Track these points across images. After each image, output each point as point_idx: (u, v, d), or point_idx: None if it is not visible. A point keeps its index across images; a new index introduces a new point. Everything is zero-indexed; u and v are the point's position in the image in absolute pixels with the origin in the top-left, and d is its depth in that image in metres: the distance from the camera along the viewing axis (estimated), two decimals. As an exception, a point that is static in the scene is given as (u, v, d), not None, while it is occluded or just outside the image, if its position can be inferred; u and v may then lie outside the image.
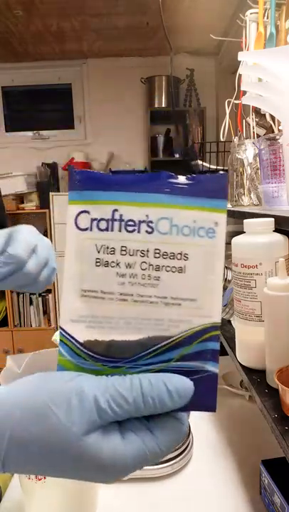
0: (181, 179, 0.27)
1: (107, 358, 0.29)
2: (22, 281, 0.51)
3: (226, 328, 0.95)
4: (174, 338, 0.28)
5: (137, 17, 2.71)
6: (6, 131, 3.57)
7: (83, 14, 2.64)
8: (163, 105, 3.23)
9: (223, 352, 1.25)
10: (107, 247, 0.28)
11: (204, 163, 1.55)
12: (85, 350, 0.29)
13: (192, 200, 0.27)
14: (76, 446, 0.26)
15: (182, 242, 0.27)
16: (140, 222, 0.27)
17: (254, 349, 0.70)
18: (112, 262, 0.28)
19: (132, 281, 0.28)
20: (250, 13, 1.05)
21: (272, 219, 0.66)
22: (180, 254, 0.27)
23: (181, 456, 0.75)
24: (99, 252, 0.28)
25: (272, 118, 1.01)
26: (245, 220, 0.68)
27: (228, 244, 1.11)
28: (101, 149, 3.48)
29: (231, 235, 1.19)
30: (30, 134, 3.56)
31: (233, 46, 2.64)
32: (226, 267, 0.96)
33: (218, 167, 1.52)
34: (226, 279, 0.93)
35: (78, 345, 0.29)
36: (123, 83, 3.42)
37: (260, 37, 1.01)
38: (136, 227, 0.27)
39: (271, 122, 1.01)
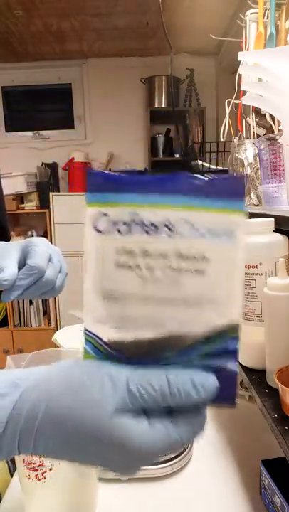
0: (200, 180, 0.27)
1: (131, 356, 0.29)
2: (43, 288, 0.56)
3: (226, 328, 0.95)
4: (197, 337, 0.28)
5: (137, 17, 2.71)
6: (6, 131, 3.57)
7: (83, 14, 2.64)
8: (163, 105, 3.23)
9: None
10: (128, 250, 0.28)
11: (204, 163, 1.54)
12: (110, 350, 0.30)
13: (212, 201, 0.27)
14: (108, 424, 0.27)
15: (203, 244, 0.27)
16: (160, 225, 0.27)
17: (254, 349, 0.70)
18: (133, 264, 0.28)
19: (153, 284, 0.28)
20: (250, 13, 1.05)
21: (272, 219, 0.66)
22: (201, 256, 0.27)
23: (181, 456, 0.75)
24: (119, 254, 0.28)
25: (272, 118, 1.01)
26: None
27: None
28: (101, 149, 3.48)
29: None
30: (30, 134, 3.56)
31: (233, 46, 2.64)
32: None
33: (218, 167, 1.51)
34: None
35: (103, 344, 0.30)
36: (123, 83, 3.42)
37: (260, 37, 1.01)
38: (156, 230, 0.27)
39: (271, 122, 1.01)
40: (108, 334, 0.29)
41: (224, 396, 0.29)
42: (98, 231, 0.29)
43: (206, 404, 0.29)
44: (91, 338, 0.30)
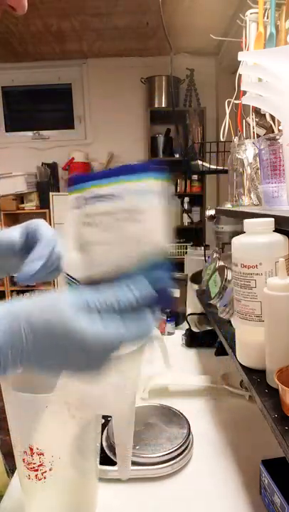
0: (130, 165, 0.40)
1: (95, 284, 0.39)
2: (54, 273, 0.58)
3: (225, 328, 0.95)
4: (139, 264, 0.39)
5: (137, 17, 2.71)
6: (6, 131, 3.57)
7: (83, 14, 2.64)
8: (163, 105, 3.23)
9: (223, 352, 1.26)
10: (88, 214, 0.41)
11: (204, 163, 1.54)
12: (81, 285, 0.42)
13: (138, 176, 0.40)
14: (70, 325, 0.34)
15: (136, 201, 0.39)
16: (107, 195, 0.40)
17: (254, 349, 0.70)
18: (92, 222, 0.41)
19: (106, 231, 0.40)
20: (250, 13, 1.05)
21: (272, 219, 0.66)
22: (136, 210, 0.39)
23: (181, 456, 0.75)
24: (85, 218, 0.41)
25: (272, 118, 1.01)
26: (245, 220, 0.68)
27: (229, 244, 1.11)
28: (101, 149, 3.48)
29: (231, 235, 1.19)
30: (30, 134, 3.56)
31: (233, 46, 2.64)
32: (225, 267, 0.96)
33: (218, 167, 1.51)
34: (225, 279, 0.93)
35: (77, 283, 0.43)
36: (123, 83, 3.42)
37: (260, 37, 1.01)
38: (105, 199, 0.40)
39: (271, 122, 1.01)
40: (80, 274, 0.42)
41: (164, 300, 0.39)
42: (74, 208, 0.41)
43: (150, 307, 0.37)
44: (71, 282, 0.43)
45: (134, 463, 0.70)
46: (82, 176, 0.43)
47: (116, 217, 0.40)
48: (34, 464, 0.54)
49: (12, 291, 3.19)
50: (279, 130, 0.96)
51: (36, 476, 0.55)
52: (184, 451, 0.76)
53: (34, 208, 3.21)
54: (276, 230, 0.67)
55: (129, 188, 0.40)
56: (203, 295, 1.17)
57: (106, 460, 0.73)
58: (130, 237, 0.39)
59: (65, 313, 0.35)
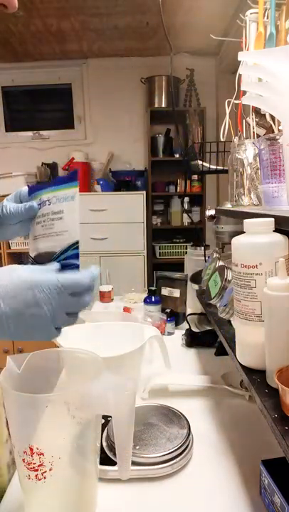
0: (60, 177, 0.86)
1: (41, 262, 0.58)
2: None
3: (225, 328, 0.95)
4: (62, 250, 0.56)
5: (137, 17, 2.71)
6: (6, 131, 3.57)
7: (83, 14, 2.64)
8: (163, 105, 3.23)
9: (223, 352, 1.26)
10: (38, 215, 0.61)
11: (204, 163, 1.54)
12: (34, 261, 0.61)
13: (64, 185, 0.57)
14: (39, 277, 0.49)
15: (61, 205, 0.57)
16: (46, 200, 0.60)
17: (254, 349, 0.70)
18: (40, 221, 0.61)
19: (45, 228, 0.59)
20: (250, 13, 1.05)
21: (272, 219, 0.66)
22: (60, 211, 0.57)
23: (181, 456, 0.75)
24: (37, 218, 0.61)
25: (272, 118, 1.01)
26: (245, 220, 0.68)
27: (229, 244, 1.11)
28: (101, 149, 3.48)
29: (231, 234, 1.19)
30: (30, 134, 3.56)
31: (233, 46, 2.64)
32: (225, 267, 0.96)
33: (218, 167, 1.51)
34: (225, 279, 0.93)
35: (32, 260, 0.62)
36: (123, 83, 3.42)
37: (260, 37, 1.01)
38: (45, 204, 0.60)
39: (271, 122, 1.01)
40: (33, 254, 0.62)
41: (70, 267, 0.55)
42: None
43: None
44: (32, 260, 0.62)
45: (134, 463, 0.70)
46: (36, 186, 0.63)
47: (50, 218, 0.58)
48: (34, 463, 0.54)
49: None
50: (279, 130, 0.96)
51: (36, 476, 0.55)
52: (184, 451, 0.76)
53: (34, 207, 3.21)
54: (276, 230, 0.67)
55: (56, 195, 0.57)
56: (203, 295, 1.17)
57: (106, 460, 0.73)
58: (56, 231, 0.58)
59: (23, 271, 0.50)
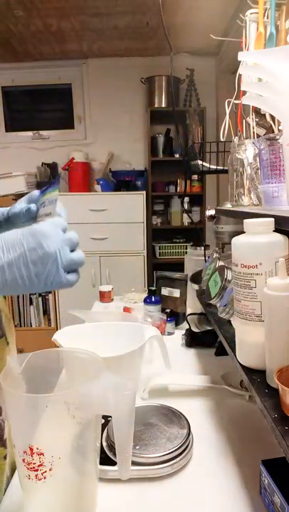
0: (51, 182, 0.66)
1: None
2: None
3: (225, 328, 0.95)
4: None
5: (137, 17, 2.71)
6: (6, 131, 3.57)
7: (83, 14, 2.64)
8: (163, 105, 3.23)
9: (223, 352, 1.26)
10: (40, 214, 0.66)
11: (204, 163, 1.54)
12: None
13: (50, 190, 0.65)
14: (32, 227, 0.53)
15: (50, 207, 0.62)
16: (42, 203, 0.65)
17: (254, 349, 0.70)
18: (40, 220, 0.62)
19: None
20: (250, 13, 1.05)
21: (272, 219, 0.66)
22: (50, 211, 0.61)
23: (181, 456, 0.75)
24: (38, 217, 0.66)
25: (272, 118, 1.01)
26: (245, 220, 0.68)
27: (229, 244, 1.11)
28: (101, 149, 3.48)
29: (231, 234, 1.19)
30: (30, 134, 3.56)
31: (233, 46, 2.64)
32: (225, 267, 0.96)
33: (218, 167, 1.51)
34: (225, 279, 0.93)
35: None
36: (123, 83, 3.42)
37: (260, 37, 1.01)
38: (42, 205, 0.65)
39: (271, 122, 1.01)
40: None
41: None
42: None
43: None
44: None
45: (134, 463, 0.70)
46: (42, 189, 0.70)
47: (43, 218, 0.63)
48: (34, 463, 0.54)
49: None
50: (279, 130, 0.96)
51: (36, 476, 0.55)
52: (184, 451, 0.76)
53: (34, 207, 3.20)
54: (276, 230, 0.67)
55: (48, 198, 0.65)
56: (203, 295, 1.17)
57: (106, 460, 0.73)
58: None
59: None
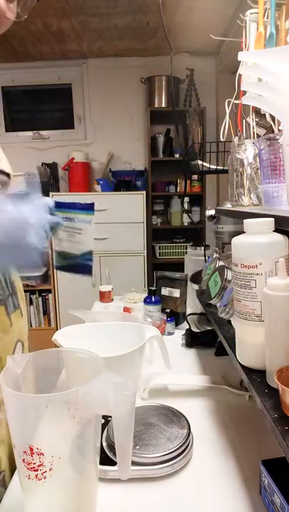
0: (81, 204, 0.82)
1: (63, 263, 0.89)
2: None
3: (225, 328, 0.95)
4: (80, 253, 0.84)
5: (137, 17, 2.71)
6: (6, 131, 3.57)
7: (83, 14, 2.64)
8: (163, 105, 3.23)
9: (223, 352, 1.26)
10: (62, 227, 0.81)
11: (204, 163, 1.54)
12: (57, 253, 0.88)
13: (83, 211, 0.81)
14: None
15: (82, 224, 0.81)
16: (69, 218, 0.81)
17: (254, 349, 0.70)
18: (66, 230, 0.82)
19: (69, 235, 0.82)
20: (250, 13, 1.05)
21: (272, 219, 0.66)
22: (80, 228, 0.81)
23: (181, 456, 0.75)
24: (64, 228, 0.82)
25: (272, 118, 1.01)
26: (245, 220, 0.68)
27: (229, 244, 1.11)
28: (101, 149, 3.48)
29: (231, 234, 1.19)
30: (30, 134, 3.56)
31: (233, 46, 2.64)
32: (225, 267, 0.96)
33: (218, 167, 1.51)
34: (225, 279, 0.93)
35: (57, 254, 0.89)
36: (123, 83, 3.42)
37: (260, 37, 1.01)
38: (69, 220, 0.81)
39: (271, 122, 1.01)
40: (57, 248, 0.85)
41: (85, 271, 0.84)
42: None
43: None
44: (56, 251, 0.86)
45: (134, 463, 0.70)
46: (61, 203, 0.80)
47: (74, 231, 0.82)
48: (34, 463, 0.54)
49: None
50: (279, 130, 0.96)
51: (36, 476, 0.55)
52: (184, 451, 0.76)
53: (34, 207, 3.20)
54: (276, 230, 0.67)
55: (78, 217, 0.80)
56: (203, 295, 1.17)
57: (106, 460, 0.73)
58: (78, 241, 0.82)
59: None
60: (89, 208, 0.81)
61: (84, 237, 0.81)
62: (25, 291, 3.40)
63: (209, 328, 1.38)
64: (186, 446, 0.77)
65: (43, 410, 0.53)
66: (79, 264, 0.82)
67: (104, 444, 0.77)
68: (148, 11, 2.62)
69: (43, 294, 3.27)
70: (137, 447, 0.74)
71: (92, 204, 0.80)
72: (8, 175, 0.87)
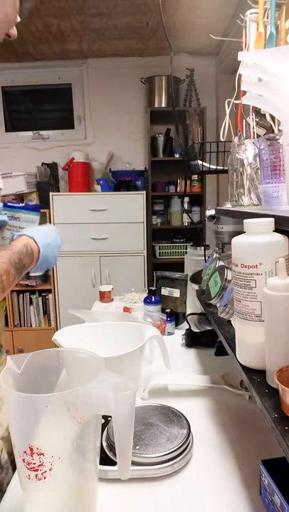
0: (28, 205, 0.94)
1: None
2: None
3: (225, 328, 0.95)
4: None
5: (137, 17, 2.71)
6: (6, 131, 3.57)
7: (83, 14, 2.64)
8: (163, 105, 3.23)
9: (223, 352, 1.25)
10: (9, 224, 0.92)
11: (204, 163, 1.54)
12: None
13: (31, 212, 0.93)
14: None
15: (27, 223, 0.92)
16: (16, 217, 0.92)
17: (254, 349, 0.70)
18: (10, 228, 0.93)
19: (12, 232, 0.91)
20: (250, 13, 1.05)
21: (272, 219, 0.66)
22: (25, 226, 0.92)
23: (181, 456, 0.75)
24: (8, 226, 0.93)
25: (272, 118, 1.01)
26: (245, 220, 0.68)
27: (229, 244, 1.10)
28: (101, 149, 3.48)
29: (231, 234, 1.19)
30: (30, 134, 3.56)
31: (233, 46, 2.64)
32: (225, 267, 0.96)
33: (218, 167, 1.51)
34: (225, 279, 0.93)
35: None
36: (123, 83, 3.42)
37: (260, 37, 1.01)
38: (15, 218, 0.93)
39: (271, 122, 1.01)
40: None
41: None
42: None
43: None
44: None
45: (134, 463, 0.70)
46: (7, 203, 0.90)
47: (16, 229, 0.90)
48: (34, 463, 0.54)
49: (12, 291, 3.20)
50: (279, 130, 0.96)
51: (36, 476, 0.55)
52: (184, 451, 0.76)
53: (34, 207, 3.20)
54: (276, 230, 0.67)
55: (22, 216, 0.89)
56: (203, 295, 1.17)
57: (106, 460, 0.73)
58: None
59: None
60: (34, 208, 0.91)
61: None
62: (26, 291, 3.36)
63: (209, 328, 1.38)
64: (186, 446, 0.77)
65: (43, 410, 0.53)
66: None
67: (104, 444, 0.77)
68: (148, 11, 2.62)
69: (43, 294, 3.27)
70: (137, 447, 0.74)
71: (38, 206, 0.93)
72: None
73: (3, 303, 0.88)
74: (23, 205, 0.90)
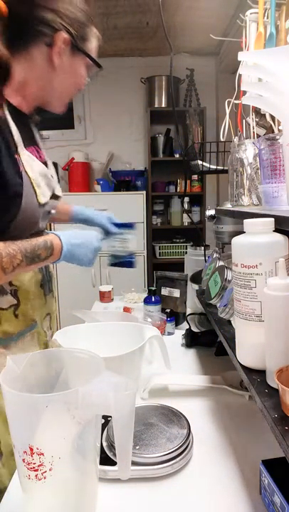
0: (129, 224, 1.29)
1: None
2: None
3: (225, 328, 0.95)
4: (126, 255, 1.27)
5: (137, 17, 2.71)
6: (6, 131, 3.57)
7: (83, 14, 2.64)
8: (163, 105, 3.23)
9: (223, 352, 1.26)
10: (116, 237, 1.28)
11: (204, 163, 1.54)
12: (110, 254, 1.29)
13: (130, 228, 1.30)
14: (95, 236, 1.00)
15: (128, 236, 1.27)
16: (121, 232, 1.30)
17: (254, 349, 0.70)
18: (117, 239, 1.27)
19: (120, 243, 1.27)
20: (250, 13, 1.05)
21: (272, 219, 0.66)
22: (128, 239, 1.28)
23: (181, 456, 0.75)
24: (115, 237, 1.30)
25: (272, 118, 1.01)
26: (245, 220, 0.68)
27: (229, 244, 1.10)
28: (101, 149, 3.48)
29: (231, 234, 1.19)
30: (30, 134, 3.56)
31: (233, 46, 2.64)
32: (225, 267, 0.96)
33: (218, 167, 1.51)
34: (225, 279, 0.93)
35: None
36: (123, 83, 3.42)
37: (260, 37, 1.01)
38: (120, 234, 1.30)
39: (271, 122, 1.01)
40: (110, 251, 1.28)
41: (130, 266, 1.24)
42: None
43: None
44: (109, 254, 1.27)
45: (134, 463, 0.70)
46: (118, 223, 1.25)
47: (122, 240, 1.23)
48: (34, 463, 0.54)
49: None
50: (279, 130, 0.96)
51: (36, 476, 0.55)
52: (184, 451, 0.76)
53: (34, 207, 3.20)
54: (276, 230, 0.67)
55: (125, 231, 1.24)
56: (203, 295, 1.17)
57: (106, 460, 0.73)
58: (124, 246, 1.21)
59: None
60: (131, 226, 1.24)
61: (129, 244, 1.21)
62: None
63: (209, 329, 1.38)
64: (186, 446, 0.77)
65: (43, 410, 0.53)
66: (126, 261, 1.21)
67: (105, 444, 0.77)
68: (148, 11, 2.62)
69: (43, 294, 3.27)
70: (137, 447, 0.74)
71: (133, 223, 1.24)
72: (58, 197, 1.04)
73: (36, 275, 0.96)
74: (124, 223, 1.24)
